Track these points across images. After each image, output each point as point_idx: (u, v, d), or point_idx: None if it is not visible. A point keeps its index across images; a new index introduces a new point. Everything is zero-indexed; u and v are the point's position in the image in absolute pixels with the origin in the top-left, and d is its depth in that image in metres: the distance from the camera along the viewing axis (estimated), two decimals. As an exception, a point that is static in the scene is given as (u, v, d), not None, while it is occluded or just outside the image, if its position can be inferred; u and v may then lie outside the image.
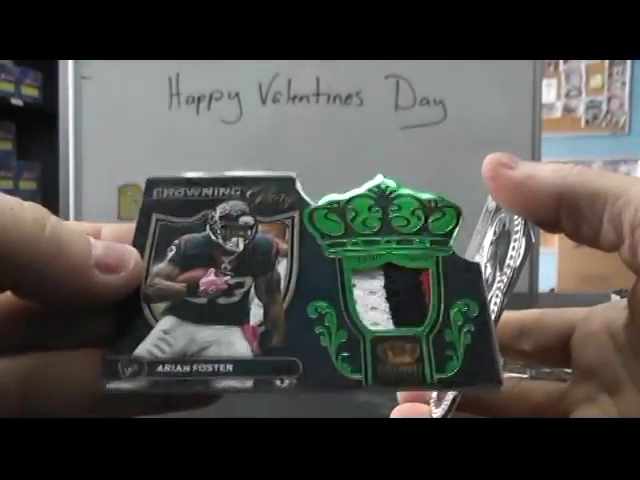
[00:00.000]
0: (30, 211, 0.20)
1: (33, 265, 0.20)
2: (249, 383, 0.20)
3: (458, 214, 0.24)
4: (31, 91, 2.42)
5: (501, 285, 0.24)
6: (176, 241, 0.24)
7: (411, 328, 0.22)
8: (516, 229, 0.24)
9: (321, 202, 0.25)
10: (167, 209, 0.25)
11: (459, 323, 0.22)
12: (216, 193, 0.26)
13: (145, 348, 0.21)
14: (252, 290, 0.23)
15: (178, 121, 1.16)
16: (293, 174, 0.27)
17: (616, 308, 0.25)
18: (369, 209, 0.25)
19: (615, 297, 0.78)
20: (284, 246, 0.24)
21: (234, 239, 0.25)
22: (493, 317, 0.24)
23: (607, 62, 3.50)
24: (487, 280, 0.25)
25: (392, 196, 0.25)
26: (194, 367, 0.21)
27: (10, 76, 2.32)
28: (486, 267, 0.26)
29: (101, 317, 0.22)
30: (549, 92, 3.60)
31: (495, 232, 0.26)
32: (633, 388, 0.23)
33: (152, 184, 0.26)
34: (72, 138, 1.15)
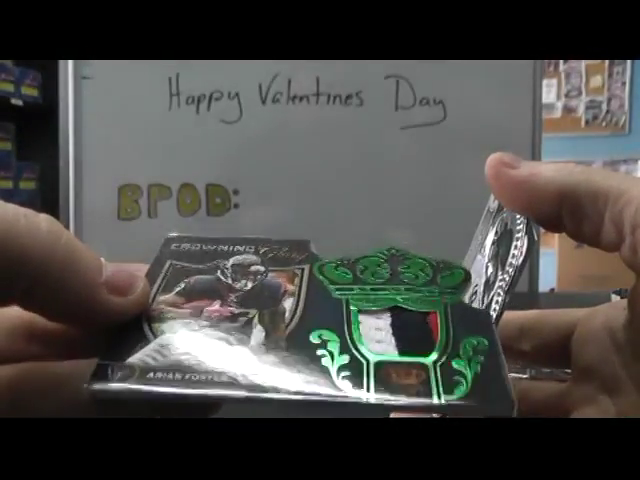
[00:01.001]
0: (45, 220, 0.20)
1: (47, 273, 0.20)
2: (243, 393, 0.19)
3: (466, 275, 0.25)
4: (31, 91, 2.42)
5: (503, 284, 0.24)
6: (186, 279, 0.25)
7: (418, 357, 0.21)
8: (518, 228, 0.24)
9: (332, 258, 0.26)
10: (182, 257, 0.26)
11: (469, 354, 0.21)
12: (231, 249, 0.26)
13: (138, 357, 0.21)
14: (256, 318, 0.23)
15: (178, 121, 1.16)
16: (308, 239, 0.27)
17: (616, 308, 0.25)
18: (378, 265, 0.25)
19: (615, 297, 0.78)
20: (292, 288, 0.24)
21: (243, 281, 0.25)
22: (495, 316, 0.24)
23: (607, 62, 3.50)
24: (488, 280, 0.25)
25: (401, 257, 0.26)
26: (187, 376, 0.20)
27: (10, 76, 2.32)
28: (487, 267, 0.26)
29: (99, 335, 0.21)
30: (549, 92, 3.60)
31: (497, 232, 0.26)
32: (633, 388, 0.23)
33: (170, 240, 0.27)
34: (72, 138, 1.15)
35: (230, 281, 0.25)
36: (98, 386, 0.20)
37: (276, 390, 0.20)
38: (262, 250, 0.26)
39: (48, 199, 2.34)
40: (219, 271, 0.25)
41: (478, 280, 0.26)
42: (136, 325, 0.22)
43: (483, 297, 0.25)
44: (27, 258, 0.19)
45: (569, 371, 0.27)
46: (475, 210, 0.29)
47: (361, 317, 0.23)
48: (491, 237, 0.26)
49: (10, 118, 2.39)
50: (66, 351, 0.22)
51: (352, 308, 0.23)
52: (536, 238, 0.24)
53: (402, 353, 0.21)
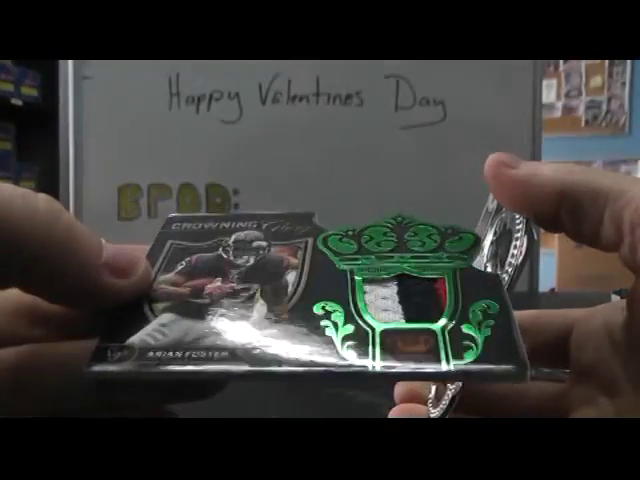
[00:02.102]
0: (44, 201, 0.20)
1: (46, 255, 0.19)
2: (244, 367, 0.19)
3: (476, 239, 0.24)
4: (31, 91, 2.42)
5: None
6: (187, 258, 0.24)
7: (425, 323, 0.20)
8: (518, 227, 0.24)
9: (336, 229, 0.25)
10: (183, 237, 0.26)
11: (479, 318, 0.20)
12: (233, 226, 0.26)
13: (138, 337, 0.20)
14: (258, 293, 0.22)
15: (178, 121, 1.16)
16: (312, 212, 0.27)
17: (615, 308, 0.25)
18: (384, 234, 0.25)
19: (615, 297, 0.78)
20: (295, 261, 0.24)
21: (245, 256, 0.24)
22: None
23: (607, 62, 3.50)
24: None
25: (408, 224, 0.25)
26: (187, 353, 0.19)
27: (10, 76, 2.32)
28: (486, 267, 0.26)
29: (100, 317, 0.21)
30: (549, 92, 3.60)
31: (495, 232, 0.26)
32: (631, 389, 0.23)
33: (171, 220, 0.27)
34: (72, 138, 1.15)
35: (232, 257, 0.24)
36: (97, 368, 0.19)
37: (279, 363, 0.19)
38: (265, 225, 0.26)
39: (48, 199, 2.33)
40: (221, 248, 0.25)
41: None
42: (136, 305, 0.22)
43: None
44: (25, 239, 0.19)
45: (568, 371, 0.27)
46: (475, 210, 0.29)
47: (366, 287, 0.22)
48: (490, 237, 0.26)
49: (10, 118, 2.39)
50: (68, 333, 0.21)
51: (357, 278, 0.23)
52: (536, 237, 0.24)
53: (409, 320, 0.21)
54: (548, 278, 2.51)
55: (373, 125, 1.16)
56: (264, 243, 0.25)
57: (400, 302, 0.22)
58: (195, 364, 0.19)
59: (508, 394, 0.25)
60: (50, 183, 2.13)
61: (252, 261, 0.24)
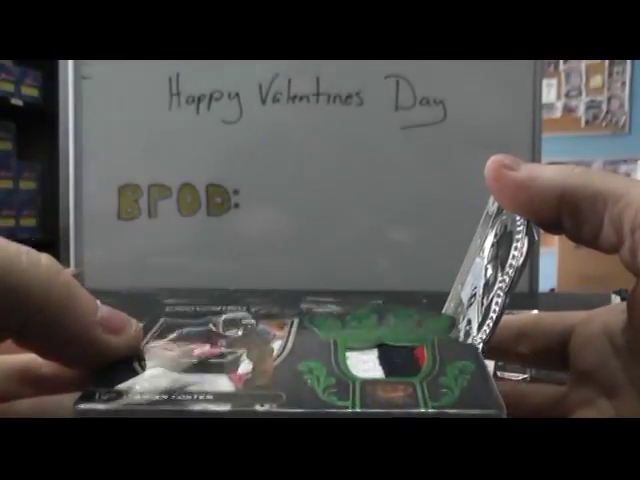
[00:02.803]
0: (45, 257, 0.21)
1: (45, 309, 0.20)
2: (227, 407, 0.20)
3: (452, 321, 0.26)
4: (31, 91, 2.42)
5: (502, 285, 0.24)
6: (179, 330, 0.26)
7: (404, 377, 0.22)
8: (518, 229, 0.24)
9: (321, 313, 0.27)
10: (175, 315, 0.27)
11: (455, 373, 0.22)
12: (223, 309, 0.28)
13: (126, 384, 0.21)
14: (244, 355, 0.24)
15: (178, 121, 1.16)
16: (300, 291, 0.30)
17: (615, 311, 0.25)
18: (367, 315, 0.26)
19: (615, 297, 0.78)
20: (281, 333, 0.25)
21: (234, 330, 0.26)
22: (495, 317, 0.24)
23: (607, 62, 3.50)
24: (488, 281, 0.25)
25: (389, 309, 0.27)
26: (172, 396, 0.20)
27: (10, 76, 2.32)
28: (487, 269, 0.26)
29: (91, 376, 0.22)
30: (549, 92, 3.60)
31: (496, 234, 0.26)
32: (631, 391, 0.23)
33: (165, 304, 0.28)
34: (72, 138, 1.15)
35: (221, 331, 0.26)
36: (84, 406, 0.20)
37: (261, 403, 0.20)
38: (254, 309, 0.28)
39: (48, 199, 2.34)
40: (211, 324, 0.26)
41: (477, 283, 0.26)
42: (126, 362, 0.23)
43: (482, 299, 0.25)
44: (26, 293, 0.20)
45: (568, 374, 0.27)
46: (475, 210, 0.29)
47: (348, 353, 0.23)
48: (490, 239, 0.26)
49: (10, 118, 2.39)
50: (57, 393, 0.23)
51: (340, 346, 0.24)
52: (536, 238, 0.24)
53: (389, 376, 0.22)
54: (548, 278, 2.51)
55: (373, 125, 1.16)
56: (252, 321, 0.27)
57: (380, 364, 0.23)
58: (178, 405, 0.20)
59: (507, 397, 0.25)
60: (50, 183, 2.13)
61: (240, 333, 0.26)
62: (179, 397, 0.20)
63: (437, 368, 0.22)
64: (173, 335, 0.25)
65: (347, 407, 0.20)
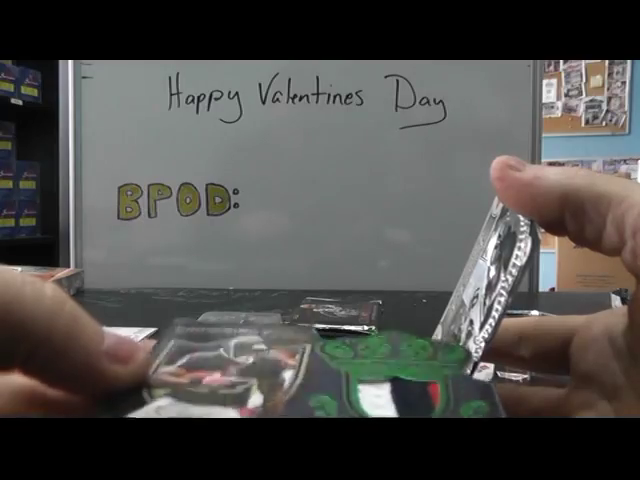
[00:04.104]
0: (50, 288, 0.21)
1: (50, 339, 0.20)
2: None
3: (467, 353, 0.25)
4: (31, 91, 2.43)
5: (506, 285, 0.24)
6: (189, 355, 0.25)
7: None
8: (522, 229, 0.24)
9: (334, 340, 0.26)
10: (186, 337, 0.27)
11: (469, 414, 0.21)
12: (235, 332, 0.27)
13: (134, 416, 0.21)
14: (255, 386, 0.23)
15: (178, 121, 1.16)
16: (313, 328, 0.28)
17: (616, 315, 0.25)
18: (380, 345, 0.26)
19: (615, 297, 0.78)
20: (293, 362, 0.25)
21: (245, 356, 0.25)
22: (497, 316, 0.24)
23: (607, 62, 3.51)
24: (490, 282, 0.25)
25: (403, 339, 0.26)
26: None
27: (10, 76, 2.32)
28: (489, 270, 0.26)
29: (99, 403, 0.22)
30: (549, 92, 3.60)
31: (500, 235, 0.26)
32: (632, 394, 0.23)
33: (176, 324, 0.28)
34: (72, 138, 1.15)
35: (232, 356, 0.25)
36: None
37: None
38: (265, 333, 0.27)
39: (48, 199, 2.34)
40: (222, 349, 0.26)
41: (479, 284, 0.26)
42: (135, 391, 0.22)
43: (485, 299, 0.25)
44: (31, 323, 0.20)
45: (568, 377, 0.27)
46: (475, 209, 0.29)
47: (360, 386, 0.23)
48: (494, 241, 0.26)
49: (10, 118, 2.39)
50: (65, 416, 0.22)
51: (352, 377, 0.23)
52: (540, 238, 0.24)
53: (401, 416, 0.21)
54: (548, 278, 2.51)
55: (373, 125, 1.16)
56: (264, 346, 0.26)
57: (393, 401, 0.22)
58: None
59: (507, 399, 0.25)
60: (50, 183, 2.13)
61: (251, 360, 0.25)
62: None
63: (451, 409, 0.21)
64: (183, 360, 0.25)
65: None
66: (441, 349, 0.25)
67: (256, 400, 0.22)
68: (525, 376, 0.46)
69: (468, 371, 0.24)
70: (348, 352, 0.25)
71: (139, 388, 0.23)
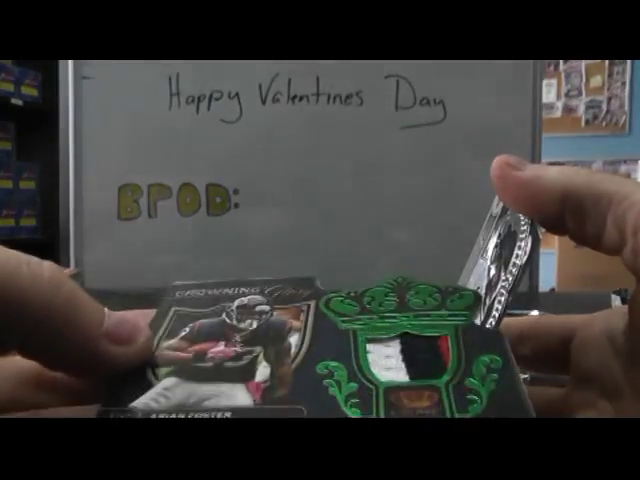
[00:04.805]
0: (48, 269, 0.20)
1: (47, 321, 0.20)
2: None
3: (476, 296, 0.25)
4: (31, 91, 2.42)
5: (506, 284, 0.24)
6: (190, 324, 0.25)
7: (429, 379, 0.21)
8: (523, 228, 0.24)
9: (338, 292, 0.26)
10: (186, 303, 0.26)
11: (482, 373, 0.21)
12: (236, 292, 0.27)
13: (141, 401, 0.21)
14: (261, 355, 0.23)
15: (178, 121, 1.16)
16: (313, 275, 0.27)
17: (616, 314, 0.25)
18: (385, 295, 0.25)
19: (615, 297, 0.78)
20: (298, 324, 0.24)
21: (248, 321, 0.25)
22: (497, 315, 0.24)
23: (607, 62, 3.51)
24: (491, 282, 0.25)
25: (409, 285, 0.25)
26: (189, 415, 0.20)
27: (10, 76, 2.32)
28: (490, 269, 0.26)
29: (103, 383, 0.22)
30: (549, 92, 3.60)
31: (500, 235, 0.26)
32: (632, 394, 0.23)
33: (174, 288, 0.27)
34: (72, 138, 1.15)
35: (235, 322, 0.25)
36: None
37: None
38: (267, 290, 0.26)
39: (48, 199, 2.34)
40: (224, 313, 0.25)
41: (480, 283, 0.26)
42: (139, 370, 0.22)
43: (485, 299, 0.25)
44: (28, 305, 0.19)
45: (568, 376, 0.27)
46: (475, 209, 0.29)
47: (369, 346, 0.23)
48: (494, 240, 0.26)
49: (10, 118, 2.39)
50: (72, 399, 0.22)
51: (360, 338, 0.23)
52: (540, 237, 0.24)
53: (413, 378, 0.21)
54: (548, 278, 2.51)
55: (373, 125, 1.16)
56: (267, 307, 0.25)
57: (403, 360, 0.22)
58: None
59: None
60: (50, 183, 2.13)
61: (255, 325, 0.24)
62: (196, 415, 0.20)
63: (463, 366, 0.21)
64: (185, 332, 0.24)
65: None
66: (449, 295, 0.25)
67: (264, 372, 0.22)
68: (525, 376, 0.46)
69: (478, 319, 0.24)
70: (354, 307, 0.25)
71: (143, 368, 0.22)
